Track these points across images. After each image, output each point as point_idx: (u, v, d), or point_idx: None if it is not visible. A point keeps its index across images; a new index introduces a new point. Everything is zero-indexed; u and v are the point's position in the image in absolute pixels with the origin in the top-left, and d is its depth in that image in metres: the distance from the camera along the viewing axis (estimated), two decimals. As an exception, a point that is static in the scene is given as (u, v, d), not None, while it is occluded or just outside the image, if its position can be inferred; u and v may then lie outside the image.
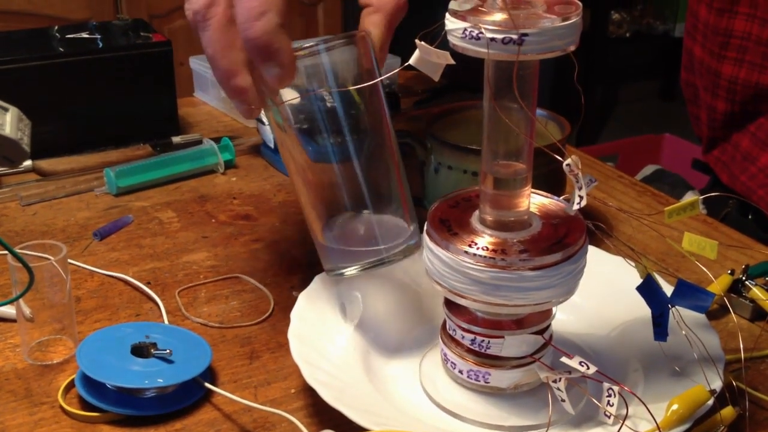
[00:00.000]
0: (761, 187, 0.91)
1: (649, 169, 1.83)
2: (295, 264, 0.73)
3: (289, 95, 0.55)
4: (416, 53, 0.51)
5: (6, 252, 0.60)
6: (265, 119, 0.90)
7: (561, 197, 0.55)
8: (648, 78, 3.50)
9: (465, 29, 0.46)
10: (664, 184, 1.56)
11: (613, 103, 3.38)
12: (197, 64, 1.10)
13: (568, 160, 0.46)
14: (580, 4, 0.48)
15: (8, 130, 0.43)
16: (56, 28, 0.99)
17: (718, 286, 0.65)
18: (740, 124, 0.95)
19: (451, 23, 0.47)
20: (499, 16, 0.46)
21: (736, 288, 0.66)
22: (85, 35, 0.95)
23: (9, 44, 0.93)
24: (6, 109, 0.45)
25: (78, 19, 1.93)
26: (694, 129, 1.05)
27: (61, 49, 0.92)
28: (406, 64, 0.51)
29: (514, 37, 0.45)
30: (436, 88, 1.11)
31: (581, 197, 0.48)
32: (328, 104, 0.56)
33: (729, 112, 0.95)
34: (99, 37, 0.95)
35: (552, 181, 0.71)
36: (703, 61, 0.96)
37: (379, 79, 0.56)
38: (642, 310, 0.56)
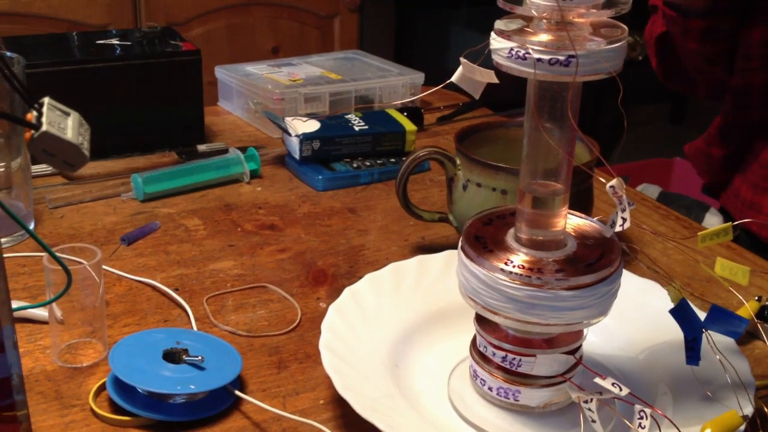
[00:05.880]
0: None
1: (654, 192, 1.84)
2: (320, 275, 0.73)
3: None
4: (459, 70, 0.51)
5: (38, 254, 0.61)
6: (291, 131, 0.90)
7: (596, 219, 0.55)
8: (658, 101, 3.51)
9: (511, 49, 0.47)
10: (680, 206, 1.56)
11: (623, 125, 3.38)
12: (222, 74, 1.11)
13: (613, 182, 0.47)
14: (626, 27, 0.48)
15: (69, 135, 0.43)
16: (77, 33, 1.00)
17: (747, 311, 0.65)
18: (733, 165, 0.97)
19: (497, 42, 0.48)
20: (545, 37, 0.47)
21: (763, 314, 0.67)
22: (114, 42, 0.96)
23: (38, 48, 0.94)
24: (67, 114, 0.45)
25: (98, 24, 1.94)
26: None
27: (90, 56, 0.92)
28: (448, 81, 0.51)
29: (561, 58, 0.46)
30: (459, 105, 1.11)
31: (624, 219, 0.48)
32: None
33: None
34: (129, 44, 0.96)
35: (581, 201, 0.71)
36: None
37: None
38: (671, 333, 0.56)
